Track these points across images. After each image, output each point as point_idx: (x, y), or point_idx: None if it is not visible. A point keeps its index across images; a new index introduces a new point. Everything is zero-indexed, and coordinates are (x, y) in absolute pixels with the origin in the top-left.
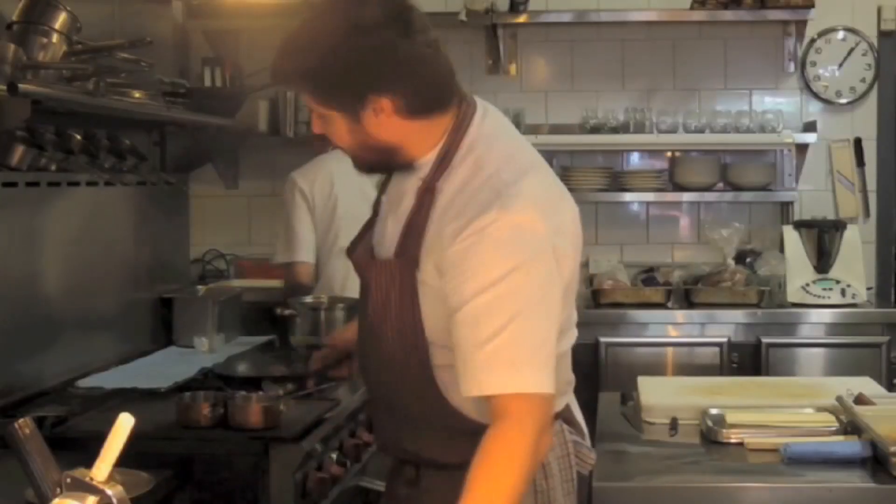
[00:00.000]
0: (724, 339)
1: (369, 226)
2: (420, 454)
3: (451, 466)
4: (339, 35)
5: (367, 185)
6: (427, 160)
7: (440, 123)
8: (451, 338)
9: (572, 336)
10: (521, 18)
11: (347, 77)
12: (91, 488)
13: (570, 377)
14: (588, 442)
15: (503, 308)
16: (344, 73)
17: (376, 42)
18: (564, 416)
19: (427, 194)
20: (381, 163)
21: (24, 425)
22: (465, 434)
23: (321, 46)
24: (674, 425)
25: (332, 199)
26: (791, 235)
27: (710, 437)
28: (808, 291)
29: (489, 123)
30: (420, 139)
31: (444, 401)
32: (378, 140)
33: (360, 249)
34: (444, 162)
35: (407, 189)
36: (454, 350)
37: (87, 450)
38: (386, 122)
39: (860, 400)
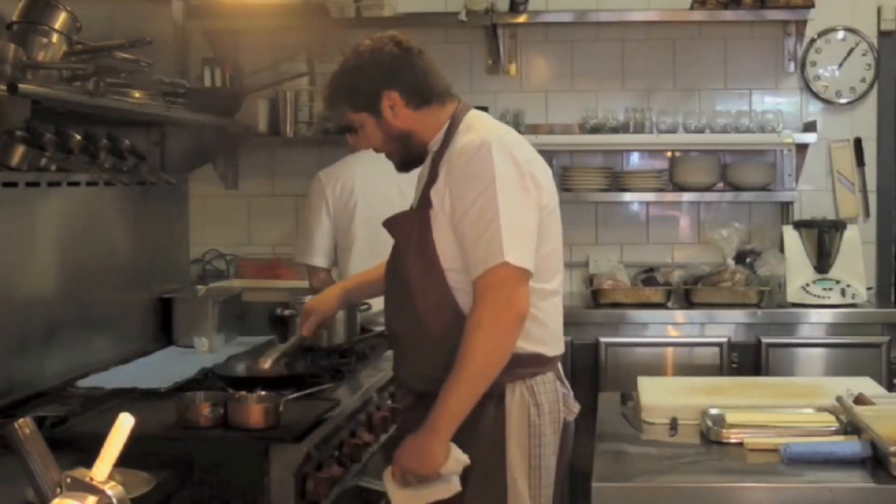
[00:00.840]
0: (724, 339)
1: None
2: (438, 378)
3: None
4: (357, 59)
5: (392, 189)
6: (436, 141)
7: (441, 114)
8: (462, 244)
9: (560, 281)
10: (521, 18)
11: (365, 82)
12: (91, 488)
13: (561, 331)
14: (572, 395)
15: (492, 206)
16: (363, 80)
17: (382, 56)
18: (557, 375)
19: (437, 158)
20: (403, 150)
21: (24, 425)
22: None
23: (349, 69)
24: (674, 425)
25: (352, 201)
26: (791, 235)
27: (710, 437)
28: (808, 291)
29: (482, 115)
30: (427, 125)
31: (462, 315)
32: (397, 129)
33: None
34: (447, 137)
35: (427, 168)
36: (465, 249)
37: (87, 450)
38: (400, 114)
39: (860, 400)
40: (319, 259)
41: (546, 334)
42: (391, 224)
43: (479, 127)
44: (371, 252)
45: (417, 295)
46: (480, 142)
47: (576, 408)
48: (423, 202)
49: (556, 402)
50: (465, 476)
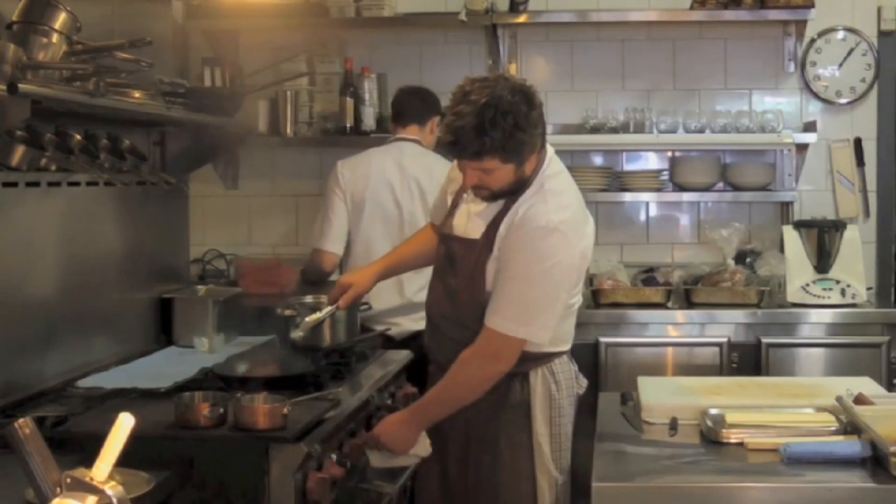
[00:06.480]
0: (724, 339)
1: (454, 205)
2: None
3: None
4: (523, 111)
5: (404, 192)
6: None
7: (535, 161)
8: (495, 284)
9: (580, 296)
10: (521, 18)
11: (535, 138)
12: (91, 488)
13: (573, 330)
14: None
15: (536, 283)
16: (533, 136)
17: (538, 112)
18: (569, 355)
19: (510, 203)
20: (514, 191)
21: (24, 425)
22: None
23: (516, 121)
24: (674, 425)
25: (363, 199)
26: (791, 235)
27: (710, 437)
28: (808, 291)
29: (553, 166)
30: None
31: None
32: (525, 175)
33: (444, 224)
34: (524, 187)
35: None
36: (493, 292)
37: (87, 450)
38: (532, 162)
39: (860, 400)
40: (333, 244)
41: (566, 336)
42: (446, 236)
43: (548, 190)
44: (366, 253)
45: (462, 301)
46: (547, 226)
47: (584, 383)
48: (489, 241)
49: (571, 379)
50: (498, 441)
